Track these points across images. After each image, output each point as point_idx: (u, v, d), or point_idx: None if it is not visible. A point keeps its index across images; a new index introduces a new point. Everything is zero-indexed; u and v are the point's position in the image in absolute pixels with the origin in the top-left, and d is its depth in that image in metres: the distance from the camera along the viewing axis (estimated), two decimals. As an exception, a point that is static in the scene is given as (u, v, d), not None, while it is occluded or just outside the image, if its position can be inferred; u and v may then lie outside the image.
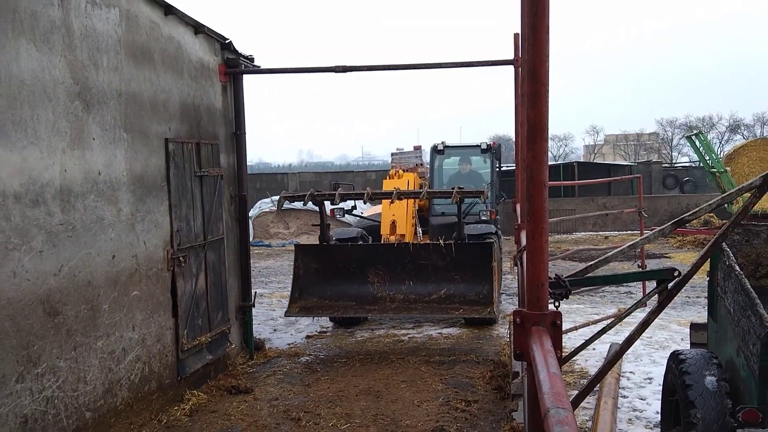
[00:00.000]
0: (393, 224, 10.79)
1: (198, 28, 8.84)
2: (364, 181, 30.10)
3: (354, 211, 13.57)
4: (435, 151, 14.30)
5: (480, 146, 13.76)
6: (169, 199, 7.89)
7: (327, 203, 11.83)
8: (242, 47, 10.04)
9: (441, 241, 9.64)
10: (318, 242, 10.70)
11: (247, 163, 10.45)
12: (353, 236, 11.65)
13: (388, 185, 11.51)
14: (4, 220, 5.33)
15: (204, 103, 9.04)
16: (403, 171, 13.06)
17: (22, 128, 5.56)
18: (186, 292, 8.12)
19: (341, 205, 11.85)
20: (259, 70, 10.54)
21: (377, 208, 13.36)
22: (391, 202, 9.92)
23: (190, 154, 8.47)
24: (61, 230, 5.99)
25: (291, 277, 10.84)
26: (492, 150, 13.51)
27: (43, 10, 5.84)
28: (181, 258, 7.93)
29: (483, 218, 12.17)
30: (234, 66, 9.90)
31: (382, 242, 10.64)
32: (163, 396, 7.69)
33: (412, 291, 9.71)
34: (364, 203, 10.05)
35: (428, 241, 10.04)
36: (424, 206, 13.08)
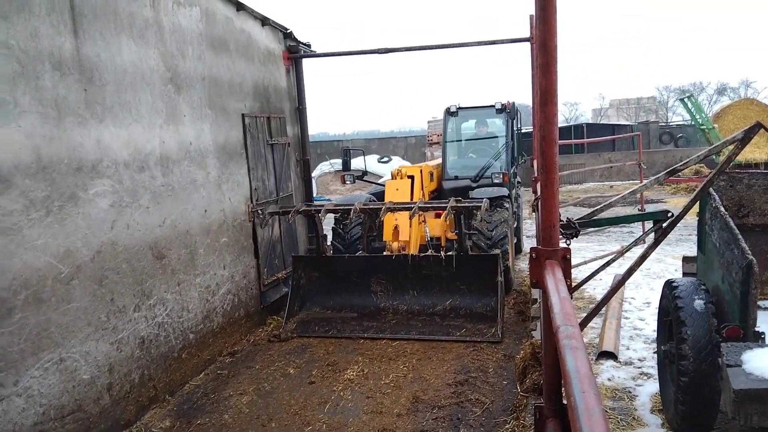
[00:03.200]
0: (396, 229, 8.27)
1: (264, 21, 8.82)
2: (405, 146, 30.00)
3: (365, 177, 10.95)
4: (448, 113, 11.33)
5: (494, 106, 10.87)
6: (248, 163, 7.99)
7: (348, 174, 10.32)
8: (300, 35, 10.01)
9: (442, 254, 7.48)
10: (317, 252, 8.47)
11: (309, 133, 10.47)
12: (362, 202, 9.55)
13: (390, 187, 8.90)
14: (118, 183, 5.48)
15: (272, 83, 9.06)
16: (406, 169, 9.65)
17: (127, 109, 5.67)
18: (264, 238, 8.29)
19: (351, 171, 10.45)
20: (315, 55, 10.49)
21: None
22: (382, 217, 7.46)
23: (263, 126, 8.54)
24: (163, 190, 6.14)
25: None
26: (507, 110, 10.69)
27: (138, 10, 5.89)
28: (259, 211, 8.07)
29: (496, 181, 9.82)
30: (295, 52, 9.89)
31: (385, 248, 8.23)
32: (250, 321, 7.92)
33: (415, 302, 7.67)
34: (351, 216, 7.67)
35: (428, 252, 7.63)
36: (435, 186, 10.48)
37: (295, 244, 9.50)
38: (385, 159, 19.99)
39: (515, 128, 11.04)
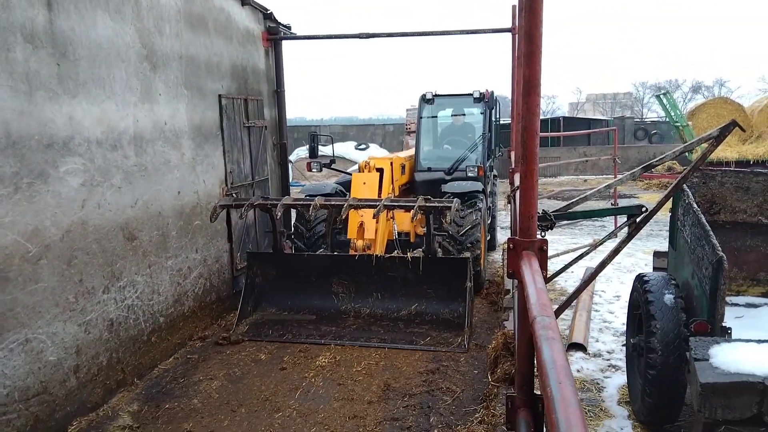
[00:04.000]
0: (361, 226, 7.60)
1: (244, 0, 8.69)
2: (383, 133, 29.94)
3: (333, 165, 9.89)
4: (423, 100, 10.42)
5: (473, 95, 10.10)
6: (223, 145, 7.89)
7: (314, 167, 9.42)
8: (280, 17, 9.89)
9: (409, 255, 6.90)
10: (274, 248, 7.66)
11: (287, 117, 10.36)
12: (328, 191, 8.76)
13: (356, 181, 8.19)
14: (90, 162, 5.37)
15: (250, 64, 8.94)
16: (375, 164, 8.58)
17: (101, 85, 5.55)
18: (238, 222, 8.20)
19: (318, 159, 9.63)
20: (295, 37, 10.38)
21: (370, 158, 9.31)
22: (343, 216, 6.81)
23: (239, 108, 8.43)
24: (136, 170, 6.03)
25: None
26: (485, 99, 9.96)
27: (116, -15, 5.75)
28: (233, 194, 7.98)
29: (470, 175, 9.13)
30: (274, 33, 9.76)
31: (350, 246, 7.61)
32: (222, 305, 7.85)
33: (379, 305, 7.10)
34: (310, 213, 7.06)
35: (394, 253, 7.12)
36: (407, 179, 9.75)
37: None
38: (363, 146, 19.95)
39: (494, 119, 10.43)
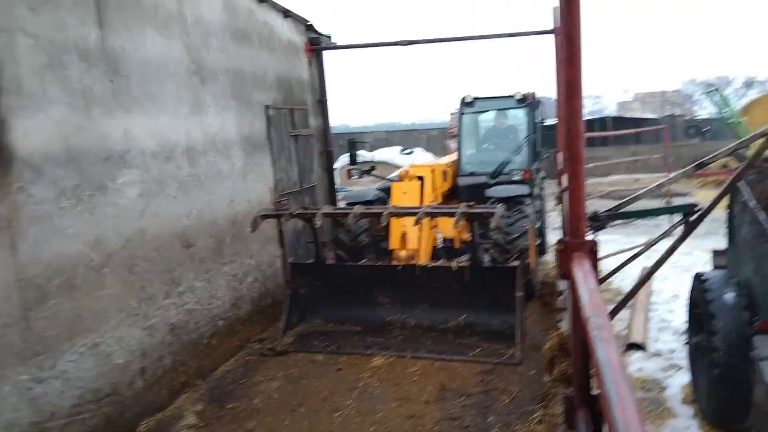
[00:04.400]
0: (404, 236, 7.35)
1: (286, 13, 8.86)
2: (427, 138, 29.96)
3: (373, 172, 9.65)
4: (464, 103, 10.03)
5: (514, 97, 9.70)
6: (272, 154, 8.04)
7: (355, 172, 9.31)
8: (320, 28, 10.05)
9: (455, 264, 6.68)
10: (317, 258, 7.48)
11: (331, 125, 10.49)
12: (369, 198, 8.47)
13: (396, 191, 7.92)
14: (145, 173, 5.54)
15: (294, 75, 9.10)
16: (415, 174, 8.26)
17: (153, 100, 5.72)
18: (288, 228, 8.32)
19: (357, 165, 9.43)
20: (336, 46, 10.51)
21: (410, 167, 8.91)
22: (383, 224, 6.57)
23: (285, 117, 8.58)
24: (189, 181, 6.20)
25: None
26: (528, 101, 9.59)
27: (162, 2, 5.91)
28: (283, 201, 8.11)
29: (516, 178, 8.88)
30: (316, 43, 9.90)
31: (392, 257, 7.32)
32: (277, 308, 7.75)
33: (426, 316, 6.85)
34: (349, 222, 6.76)
35: (439, 262, 6.90)
36: (450, 186, 9.36)
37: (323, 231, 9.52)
38: (408, 150, 19.96)
39: (537, 120, 10.06)
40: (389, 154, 18.27)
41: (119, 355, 5.07)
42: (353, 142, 9.57)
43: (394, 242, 7.36)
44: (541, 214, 9.87)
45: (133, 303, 5.26)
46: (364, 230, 8.08)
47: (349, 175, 9.54)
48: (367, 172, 9.40)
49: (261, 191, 7.70)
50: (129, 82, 5.40)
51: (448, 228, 8.04)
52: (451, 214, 6.38)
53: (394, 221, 7.15)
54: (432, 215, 6.69)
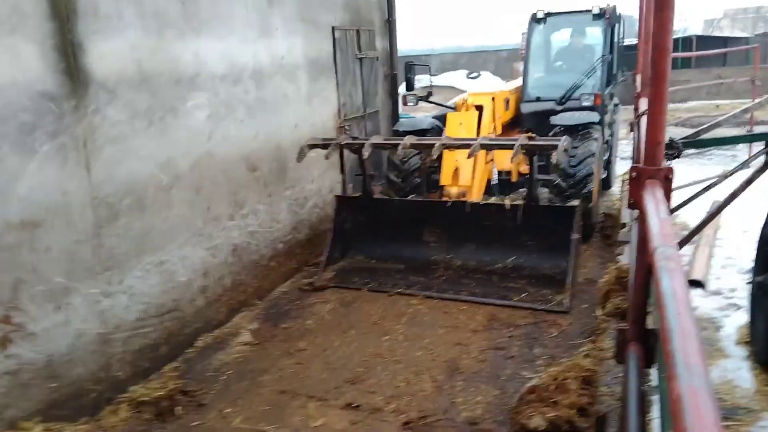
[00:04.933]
0: (456, 172, 6.96)
1: (356, -72, 8.59)
2: (496, 59, 29.00)
3: (430, 98, 9.14)
4: (534, 20, 9.13)
5: (591, 11, 8.75)
6: (337, 78, 8.02)
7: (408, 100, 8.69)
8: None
9: (508, 201, 6.33)
10: (364, 192, 7.16)
11: (398, 47, 10.29)
12: (424, 127, 8.07)
13: (452, 122, 7.48)
14: (214, 96, 5.67)
15: (363, -6, 8.91)
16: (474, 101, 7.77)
17: (222, 22, 5.76)
18: (349, 154, 8.38)
19: (414, 91, 8.82)
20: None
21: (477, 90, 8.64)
22: (434, 156, 6.27)
23: (352, 39, 8.48)
24: (256, 104, 6.30)
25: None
26: (607, 16, 8.61)
27: None
28: (346, 126, 8.15)
29: (585, 104, 8.01)
30: (386, -41, 9.61)
31: (444, 192, 6.96)
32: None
33: (472, 257, 6.55)
34: (398, 153, 6.62)
35: (491, 200, 6.53)
36: (513, 115, 8.80)
37: (381, 161, 9.57)
38: (474, 75, 19.35)
39: (616, 39, 9.11)
40: (454, 78, 17.80)
41: (183, 273, 5.36)
42: (410, 65, 8.96)
43: (445, 178, 7.02)
44: (609, 144, 9.21)
45: (198, 223, 5.51)
46: (415, 164, 7.79)
47: (405, 102, 8.83)
48: (424, 98, 8.87)
49: (325, 116, 7.75)
50: (199, 4, 5.44)
51: (505, 160, 7.59)
52: (510, 146, 5.96)
53: (446, 154, 6.83)
54: (488, 147, 6.25)
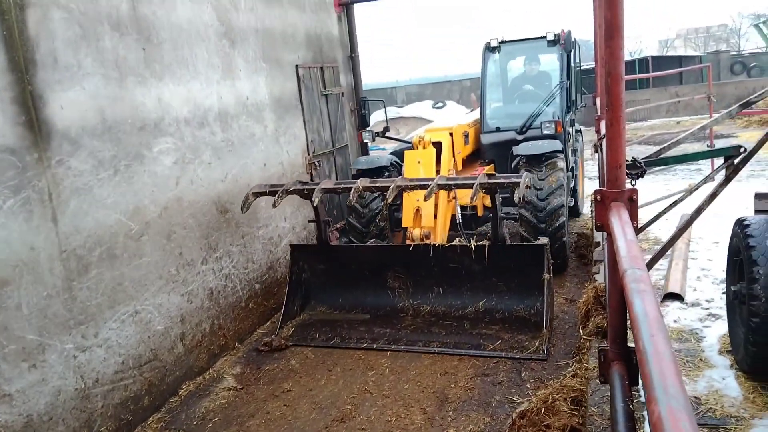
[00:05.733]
0: (418, 212, 6.57)
1: (314, -32, 8.72)
2: (460, 89, 29.47)
3: (387, 133, 8.74)
4: (488, 49, 8.82)
5: (546, 37, 8.53)
6: (303, 115, 8.04)
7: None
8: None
9: (472, 244, 5.85)
10: (319, 239, 6.67)
11: (363, 81, 10.38)
12: (381, 165, 7.72)
13: (409, 160, 7.10)
14: (180, 140, 5.62)
15: (324, 32, 9.00)
16: (429, 141, 7.30)
17: (185, 66, 5.76)
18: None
19: (371, 126, 8.64)
20: None
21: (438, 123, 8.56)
22: (389, 200, 5.78)
23: (316, 76, 8.54)
24: (223, 146, 6.26)
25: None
26: (561, 41, 8.36)
27: (190, -34, 5.91)
28: (316, 162, 8.15)
29: (546, 132, 7.68)
30: (346, -2, 9.76)
31: (407, 235, 6.59)
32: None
33: (441, 302, 6.18)
34: (351, 199, 5.87)
35: (455, 241, 6.06)
36: (473, 149, 8.49)
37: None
38: (440, 104, 19.64)
39: (573, 64, 8.89)
40: (420, 109, 18.04)
41: (159, 322, 5.25)
42: (364, 100, 8.62)
43: (406, 219, 6.69)
44: (574, 172, 8.87)
45: (172, 270, 5.41)
46: (377, 207, 7.50)
47: (361, 139, 8.47)
48: (381, 134, 8.47)
49: (293, 153, 7.74)
50: (161, 50, 5.44)
51: (469, 195, 6.85)
52: (469, 185, 5.59)
53: (406, 195, 6.50)
54: (446, 188, 5.82)
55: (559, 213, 6.86)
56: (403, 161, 7.32)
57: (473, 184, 5.51)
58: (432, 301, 6.27)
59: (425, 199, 5.64)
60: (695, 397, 4.35)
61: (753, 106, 4.39)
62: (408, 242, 6.46)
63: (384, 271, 6.42)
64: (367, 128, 8.55)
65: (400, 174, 7.49)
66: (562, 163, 7.25)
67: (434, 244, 6.10)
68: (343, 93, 9.40)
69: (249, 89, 6.81)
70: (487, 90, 8.83)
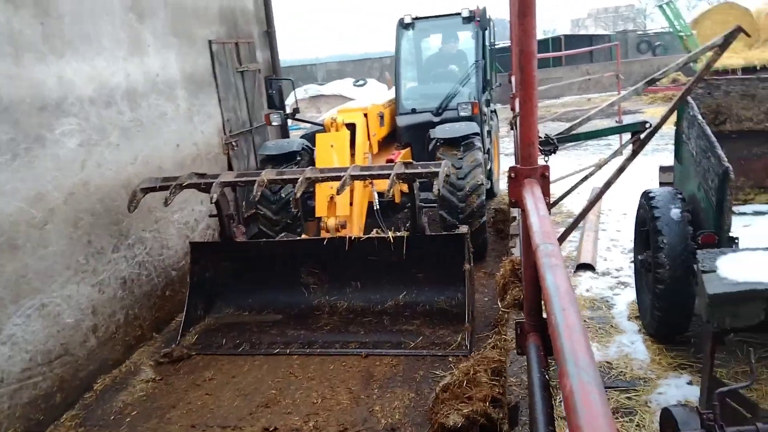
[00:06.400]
0: (332, 200, 6.19)
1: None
2: (380, 67, 29.43)
3: (297, 115, 8.36)
4: (401, 26, 8.45)
5: (461, 14, 8.17)
6: (218, 93, 7.78)
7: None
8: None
9: (390, 234, 5.57)
10: (223, 235, 6.15)
11: (281, 58, 10.15)
12: (292, 150, 7.30)
13: (321, 144, 6.70)
14: (85, 121, 5.32)
15: (238, 6, 8.71)
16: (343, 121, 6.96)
17: (88, 41, 5.44)
18: (240, 169, 8.17)
19: (278, 111, 8.07)
20: (282, -26, 10.07)
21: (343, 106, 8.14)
22: (297, 195, 5.33)
23: (231, 52, 8.27)
24: (132, 126, 5.98)
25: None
26: (476, 18, 8.02)
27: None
28: (233, 142, 7.93)
29: (463, 114, 7.44)
30: (260, -30, 9.47)
31: (320, 226, 6.25)
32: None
33: (359, 297, 5.82)
34: (255, 193, 5.50)
35: (373, 233, 5.74)
36: (386, 133, 8.08)
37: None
38: (360, 82, 19.51)
39: (488, 43, 8.63)
40: (341, 86, 17.87)
41: (69, 314, 5.00)
42: (270, 80, 8.10)
43: (320, 208, 6.29)
44: (490, 153, 8.65)
45: (80, 259, 5.15)
46: (289, 194, 6.99)
47: (269, 121, 7.86)
48: (291, 116, 8.03)
49: (209, 133, 7.49)
50: (61, 24, 5.11)
51: (386, 181, 6.35)
52: (385, 176, 5.26)
53: (320, 185, 6.10)
54: (360, 178, 5.45)
55: (478, 192, 6.76)
56: (315, 145, 6.91)
57: (390, 174, 5.19)
58: (349, 296, 5.89)
59: (338, 193, 5.24)
60: (607, 362, 4.56)
61: (657, 83, 4.57)
62: (322, 233, 6.14)
63: (297, 266, 5.96)
64: (274, 111, 7.92)
65: (312, 160, 7.13)
66: (479, 144, 7.12)
67: (350, 237, 5.74)
68: (260, 70, 9.16)
69: (159, 66, 6.51)
70: (402, 69, 8.53)
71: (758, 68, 17.46)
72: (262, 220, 7.26)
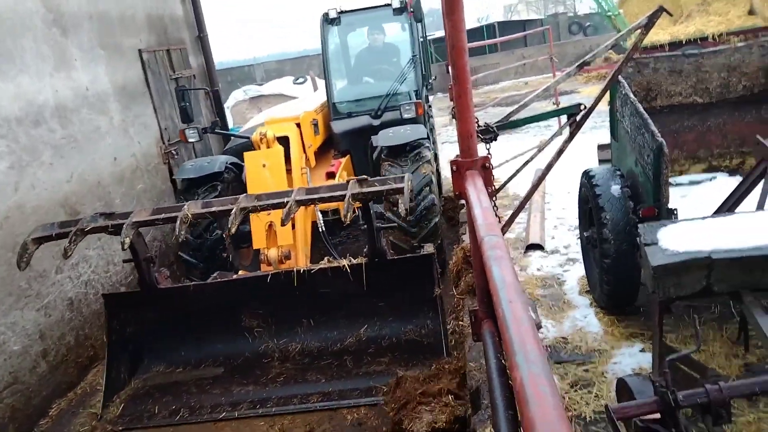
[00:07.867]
0: (271, 228, 5.37)
1: (148, -55, 8.18)
2: (319, 63, 29.14)
3: (217, 129, 7.38)
4: (326, 21, 7.54)
5: (391, 5, 7.35)
6: (153, 102, 7.60)
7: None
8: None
9: (345, 263, 4.76)
10: (142, 283, 4.99)
11: (216, 61, 9.99)
12: (214, 171, 6.16)
13: (251, 164, 5.74)
14: (14, 142, 5.12)
15: (167, 12, 8.52)
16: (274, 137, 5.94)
17: (10, 59, 5.23)
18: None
19: (194, 124, 7.07)
20: (210, -23, 9.89)
21: (269, 114, 7.38)
22: (233, 231, 4.17)
23: (163, 60, 8.09)
24: (65, 143, 5.78)
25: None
26: (409, 10, 7.21)
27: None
28: (173, 151, 7.76)
29: (407, 116, 6.60)
30: (186, -25, 9.28)
31: (260, 258, 5.37)
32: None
33: (313, 337, 4.96)
34: (177, 231, 4.26)
35: (323, 263, 4.87)
36: (322, 141, 7.24)
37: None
38: (301, 80, 19.27)
39: (422, 35, 7.87)
40: (281, 86, 17.64)
41: (15, 342, 4.82)
42: (182, 91, 7.02)
43: (258, 239, 5.42)
44: (436, 154, 7.93)
45: (22, 284, 4.96)
46: (215, 234, 6.06)
47: (184, 137, 6.69)
48: (209, 130, 7.03)
49: (146, 143, 7.31)
50: (-23, 43, 4.88)
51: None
52: (339, 198, 4.40)
53: (254, 218, 5.31)
54: (308, 203, 4.46)
55: (432, 211, 5.94)
56: (243, 161, 5.96)
57: (344, 195, 4.31)
58: (302, 337, 5.01)
59: (282, 224, 4.26)
60: (563, 338, 4.66)
61: (589, 64, 4.69)
62: (263, 266, 5.33)
63: (236, 309, 5.05)
64: (190, 126, 6.82)
65: (240, 180, 6.27)
66: (429, 153, 6.22)
67: (298, 270, 4.88)
68: (194, 75, 8.98)
69: (88, 79, 6.30)
70: (331, 68, 7.64)
71: (684, 42, 18.08)
72: (186, 267, 6.14)
